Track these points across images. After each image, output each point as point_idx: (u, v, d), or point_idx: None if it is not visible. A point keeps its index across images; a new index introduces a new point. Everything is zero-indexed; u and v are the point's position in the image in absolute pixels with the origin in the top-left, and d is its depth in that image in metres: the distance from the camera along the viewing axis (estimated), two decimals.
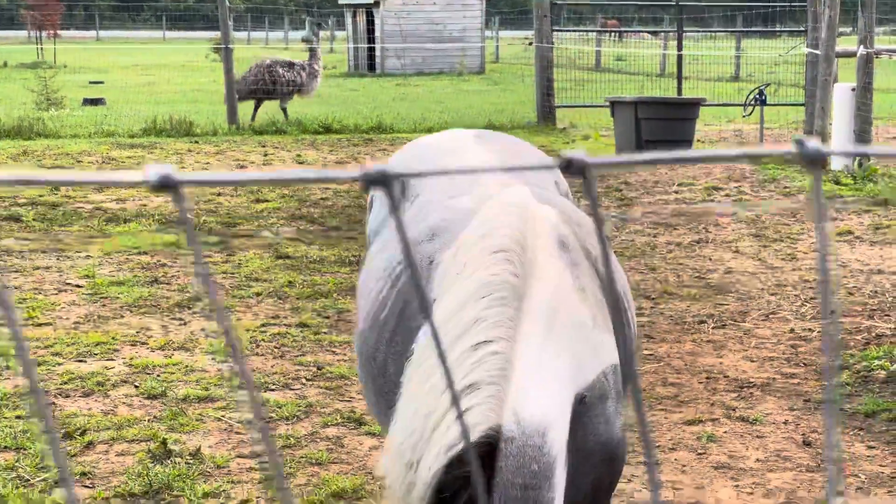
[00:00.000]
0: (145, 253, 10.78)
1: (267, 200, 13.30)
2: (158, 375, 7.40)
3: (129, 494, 5.68)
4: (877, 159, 14.27)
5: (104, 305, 8.99)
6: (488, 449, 2.82)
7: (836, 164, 14.22)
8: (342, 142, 18.63)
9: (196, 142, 18.04)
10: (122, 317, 8.74)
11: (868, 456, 6.47)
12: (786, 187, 14.12)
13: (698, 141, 17.95)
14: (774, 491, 6.06)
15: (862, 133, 14.10)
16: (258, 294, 9.54)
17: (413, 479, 2.95)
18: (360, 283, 4.05)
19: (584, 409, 3.09)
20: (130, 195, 13.31)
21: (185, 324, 8.69)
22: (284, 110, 20.98)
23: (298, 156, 16.96)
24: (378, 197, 4.36)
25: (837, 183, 13.89)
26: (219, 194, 13.41)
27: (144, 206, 12.83)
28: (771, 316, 9.17)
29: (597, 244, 3.45)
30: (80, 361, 7.66)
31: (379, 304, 3.69)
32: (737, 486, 6.08)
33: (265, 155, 16.95)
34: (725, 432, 6.78)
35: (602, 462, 3.19)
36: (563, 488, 2.87)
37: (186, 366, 7.63)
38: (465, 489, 2.82)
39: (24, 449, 6.16)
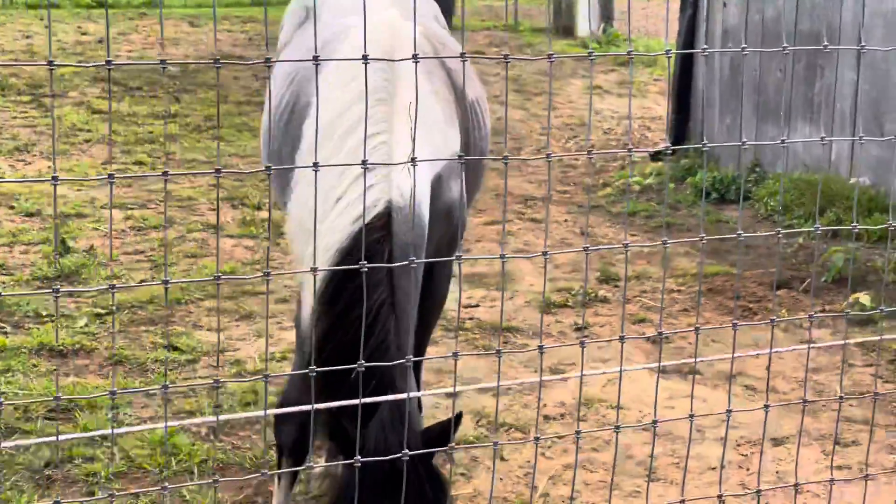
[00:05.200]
0: None
1: (67, 65, 14.03)
2: (27, 200, 8.40)
3: (44, 278, 6.80)
4: (618, 25, 16.06)
5: None
6: (385, 219, 3.65)
7: (583, 30, 15.94)
8: (117, 15, 19.25)
9: None
10: None
11: (632, 238, 8.19)
12: (540, 51, 15.77)
13: None
14: (561, 266, 7.67)
15: (606, 3, 15.84)
16: (87, 141, 10.51)
17: (312, 242, 3.90)
18: (268, 87, 5.14)
19: (438, 183, 4.10)
20: None
21: (29, 164, 9.63)
22: None
23: (79, 27, 17.55)
24: (286, 21, 5.47)
25: (585, 47, 15.64)
26: (16, 61, 14.06)
27: None
28: (542, 150, 10.79)
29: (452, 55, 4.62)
30: None
31: (277, 101, 4.83)
32: (532, 263, 7.65)
33: (46, 27, 17.46)
34: (520, 229, 8.36)
35: (447, 218, 4.24)
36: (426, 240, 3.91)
37: (48, 193, 8.64)
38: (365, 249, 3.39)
39: None
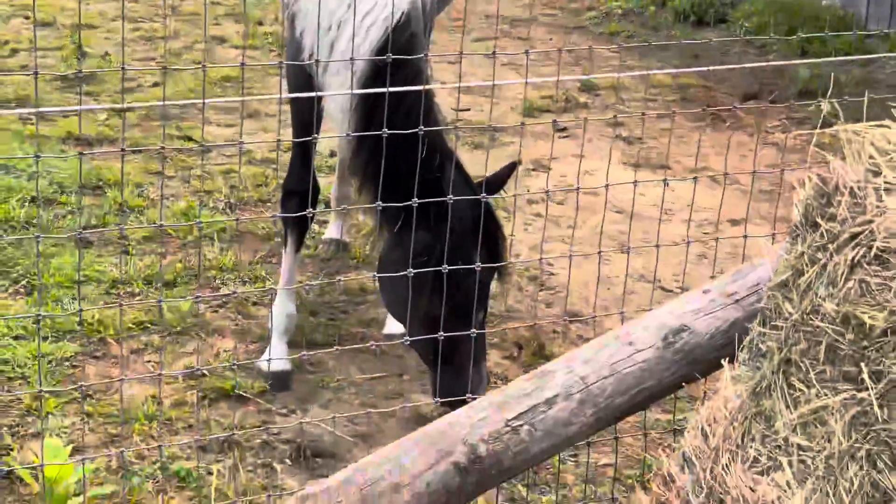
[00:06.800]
0: None
1: None
2: (40, 11, 8.83)
3: (65, 78, 7.32)
4: None
5: None
6: (408, 18, 4.14)
7: None
8: None
9: None
10: None
11: (613, 54, 8.69)
12: None
13: None
14: (545, 75, 8.17)
15: None
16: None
17: (334, 37, 4.19)
18: None
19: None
20: None
21: None
22: None
23: None
24: None
25: None
26: None
27: None
28: None
29: None
30: None
31: None
32: (517, 73, 8.16)
33: None
34: (507, 46, 8.84)
35: (424, 19, 4.50)
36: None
37: (59, 5, 9.09)
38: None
39: None
